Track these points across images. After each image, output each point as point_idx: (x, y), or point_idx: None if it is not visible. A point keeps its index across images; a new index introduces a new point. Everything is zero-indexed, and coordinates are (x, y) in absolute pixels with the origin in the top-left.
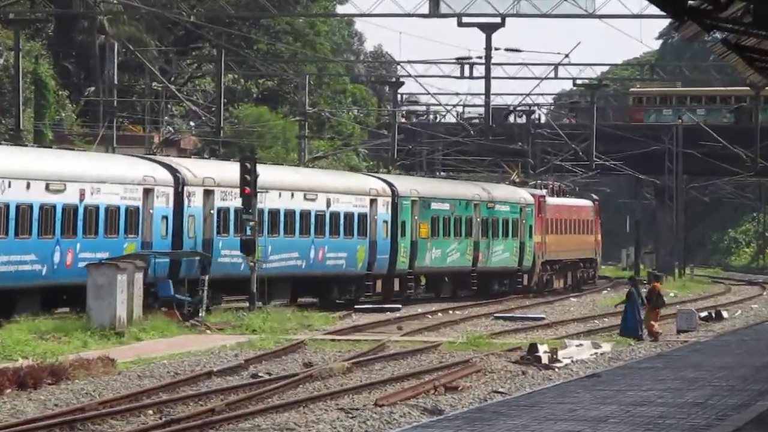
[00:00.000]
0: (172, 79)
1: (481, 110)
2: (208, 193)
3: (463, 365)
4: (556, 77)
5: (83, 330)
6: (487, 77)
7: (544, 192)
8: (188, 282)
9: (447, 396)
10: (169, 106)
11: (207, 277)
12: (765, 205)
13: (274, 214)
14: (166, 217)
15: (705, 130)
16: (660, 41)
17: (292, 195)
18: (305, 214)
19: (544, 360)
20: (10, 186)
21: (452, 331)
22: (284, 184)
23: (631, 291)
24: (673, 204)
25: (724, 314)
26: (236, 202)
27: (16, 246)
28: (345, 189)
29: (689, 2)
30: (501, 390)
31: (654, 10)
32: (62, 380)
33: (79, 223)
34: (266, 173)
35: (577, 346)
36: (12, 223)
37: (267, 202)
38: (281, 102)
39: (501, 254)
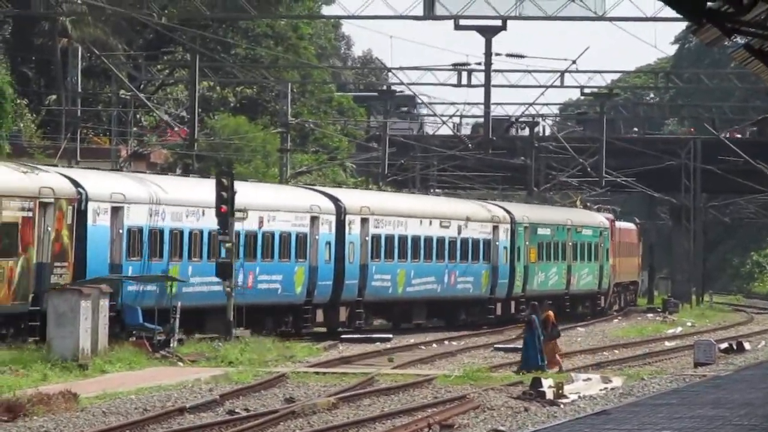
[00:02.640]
0: (142, 86)
1: (480, 121)
2: (363, 221)
3: (460, 401)
4: (562, 85)
5: (43, 362)
6: (487, 85)
7: (612, 216)
8: (159, 310)
9: None
10: (138, 116)
11: (179, 304)
12: None
13: (415, 239)
14: (329, 243)
15: (725, 143)
16: (676, 46)
17: (431, 222)
18: (440, 241)
19: (549, 395)
20: (203, 214)
21: (448, 364)
22: (425, 213)
23: (531, 318)
24: (691, 225)
25: (747, 346)
26: (387, 230)
27: (206, 269)
28: (473, 216)
29: (708, 3)
30: (501, 428)
31: (669, 12)
32: (19, 417)
33: (258, 248)
34: (407, 201)
35: (584, 380)
36: (205, 248)
37: (409, 228)
38: (261, 112)
39: (586, 277)
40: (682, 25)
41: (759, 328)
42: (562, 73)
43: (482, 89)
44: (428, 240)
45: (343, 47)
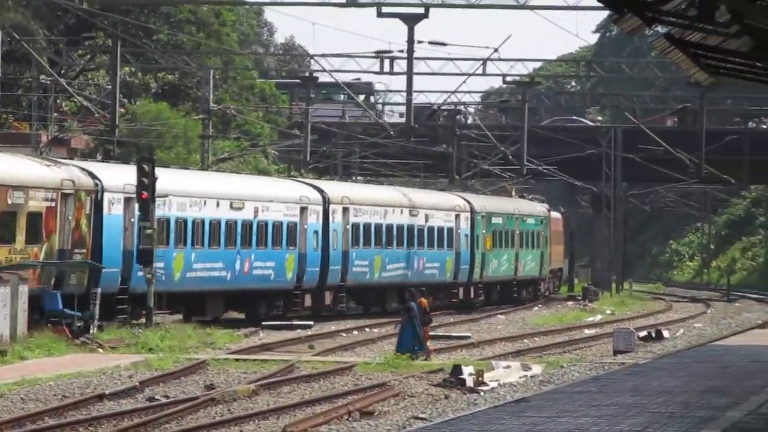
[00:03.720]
0: (63, 71)
1: (402, 109)
2: (345, 211)
3: (380, 388)
4: (484, 74)
5: None
6: (409, 73)
7: (548, 206)
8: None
9: (362, 422)
10: (58, 101)
11: (99, 290)
12: (710, 215)
13: (389, 228)
14: (316, 232)
15: (646, 132)
16: (597, 35)
17: (402, 211)
18: (410, 229)
19: (469, 383)
20: (205, 204)
21: (369, 351)
22: (396, 202)
23: (410, 305)
24: (611, 213)
25: (665, 334)
26: (364, 218)
27: (209, 255)
28: (438, 206)
29: None
30: (421, 415)
31: (591, 1)
32: None
33: (254, 237)
34: (381, 191)
35: (504, 368)
36: (206, 236)
37: (383, 217)
38: (183, 98)
39: (531, 263)
40: (604, 14)
41: (677, 317)
42: (484, 61)
43: (404, 77)
44: (400, 228)
45: (265, 34)
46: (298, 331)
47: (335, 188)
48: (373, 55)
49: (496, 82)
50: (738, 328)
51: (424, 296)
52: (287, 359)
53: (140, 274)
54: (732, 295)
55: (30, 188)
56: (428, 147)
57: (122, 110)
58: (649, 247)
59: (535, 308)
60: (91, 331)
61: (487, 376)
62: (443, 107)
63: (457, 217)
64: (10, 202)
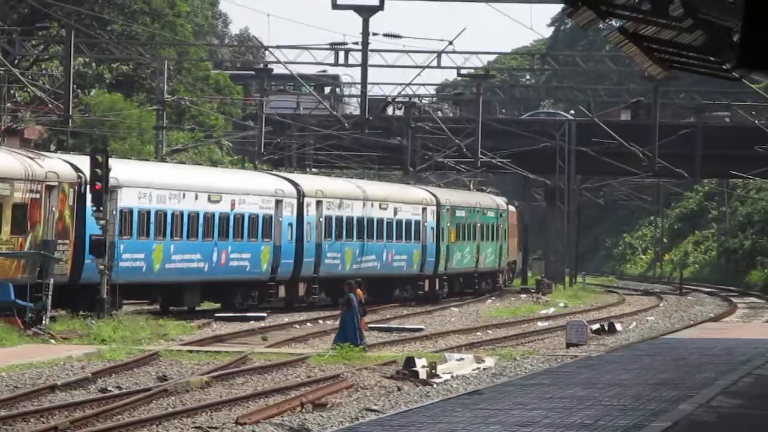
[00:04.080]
0: (16, 61)
1: (357, 101)
2: (318, 204)
3: (333, 380)
4: (438, 66)
5: None
6: (364, 65)
7: (505, 199)
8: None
9: (315, 414)
10: (11, 91)
11: (52, 281)
12: (663, 209)
13: (359, 221)
14: (291, 224)
15: (600, 126)
16: (552, 29)
17: (372, 204)
18: (380, 222)
19: (422, 375)
20: (184, 197)
21: (322, 343)
22: (367, 195)
23: (350, 297)
24: (565, 206)
25: (618, 327)
26: (336, 212)
27: (187, 247)
28: (406, 199)
29: None
30: (374, 407)
31: None
32: None
33: (230, 229)
34: (353, 185)
35: (458, 360)
36: (185, 228)
37: (354, 210)
38: (137, 89)
39: (490, 256)
40: (558, 8)
41: (630, 310)
42: (439, 53)
43: (359, 69)
44: (370, 221)
45: (220, 25)
46: (252, 322)
47: (310, 182)
48: (328, 47)
49: (451, 75)
50: (690, 321)
51: (360, 288)
52: (240, 351)
53: (122, 265)
54: (684, 288)
55: (15, 180)
56: (383, 139)
57: (76, 101)
58: (603, 240)
59: (489, 301)
60: (43, 322)
61: (440, 368)
62: (398, 99)
63: (424, 210)
64: None
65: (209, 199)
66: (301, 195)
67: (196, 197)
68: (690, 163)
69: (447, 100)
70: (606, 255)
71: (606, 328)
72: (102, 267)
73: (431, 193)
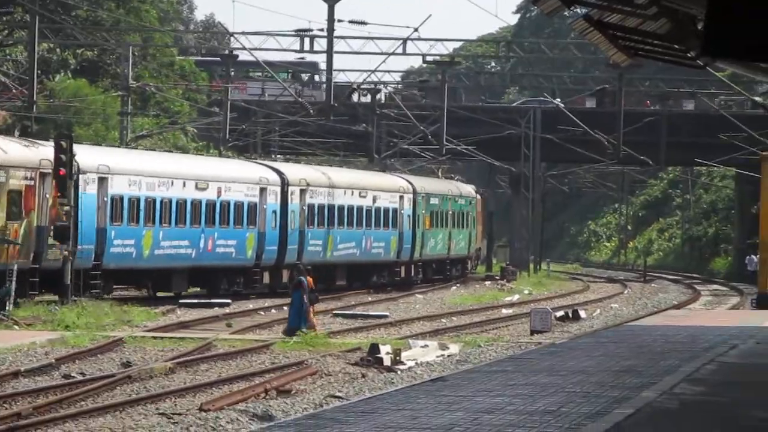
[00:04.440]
0: None
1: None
2: (302, 192)
3: (298, 367)
4: (404, 53)
5: None
6: (329, 52)
7: (475, 187)
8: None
9: (279, 400)
10: None
11: (16, 267)
12: (628, 196)
13: (340, 208)
14: (275, 212)
15: (565, 113)
16: (517, 16)
17: (353, 193)
18: (359, 209)
19: (386, 362)
20: (172, 184)
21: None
22: (348, 184)
23: (300, 281)
24: (530, 193)
25: (582, 314)
26: (319, 200)
27: (175, 233)
28: (385, 187)
29: None
30: (338, 394)
31: None
32: None
33: (216, 216)
34: (334, 173)
35: (422, 347)
36: (173, 215)
37: (336, 198)
38: (102, 75)
39: (461, 243)
40: None
41: (594, 297)
42: (405, 40)
43: (325, 55)
44: (350, 209)
45: (185, 11)
46: (216, 309)
47: (294, 170)
48: (294, 33)
49: (417, 62)
50: (654, 308)
51: (310, 274)
52: (204, 337)
53: (113, 251)
54: (648, 275)
55: (10, 167)
56: (348, 126)
57: (40, 86)
58: (567, 227)
59: (454, 288)
60: (6, 307)
61: (404, 355)
62: (363, 86)
63: (401, 198)
64: None
65: (197, 187)
66: (285, 183)
67: (184, 185)
68: (654, 150)
69: (412, 87)
70: (570, 242)
71: (570, 315)
72: (66, 253)
73: (408, 181)
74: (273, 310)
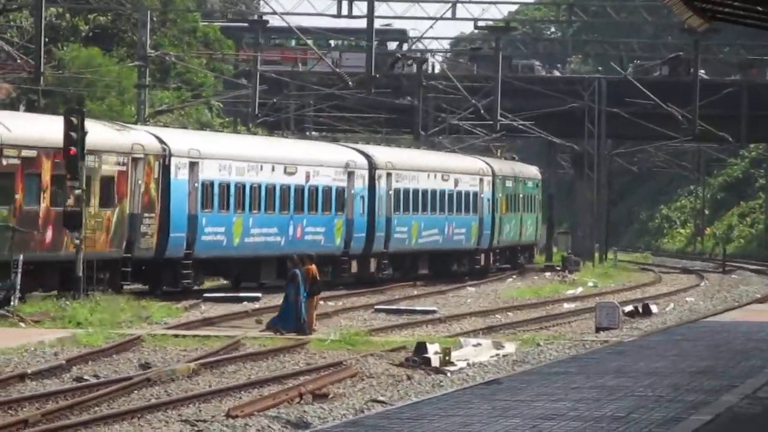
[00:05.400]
0: None
1: (363, 56)
2: (388, 176)
3: (336, 368)
4: (453, 18)
5: None
6: (370, 17)
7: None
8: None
9: (315, 405)
10: None
11: (21, 258)
12: (704, 177)
13: (424, 193)
14: (363, 197)
15: (633, 84)
16: None
17: (436, 176)
18: (442, 194)
19: (435, 362)
20: (261, 169)
21: (323, 326)
22: (431, 167)
23: (294, 272)
24: (594, 174)
25: (654, 309)
26: (404, 184)
27: (265, 220)
28: (466, 170)
29: None
30: (381, 399)
31: None
32: None
33: (305, 202)
34: (419, 156)
35: (474, 345)
36: (263, 201)
37: (420, 182)
38: (117, 43)
39: (530, 228)
40: None
41: (667, 290)
42: (454, 3)
43: (365, 21)
44: (434, 193)
45: None
46: (245, 303)
47: (380, 153)
48: None
49: (467, 28)
50: (734, 302)
51: (313, 262)
52: (232, 335)
53: (204, 239)
54: (728, 265)
55: (103, 152)
56: (391, 99)
57: (48, 56)
58: (636, 212)
59: (509, 280)
60: (11, 303)
61: (454, 354)
62: (408, 55)
63: (480, 181)
64: (84, 165)
65: (285, 171)
66: (372, 167)
67: (273, 169)
68: (735, 125)
69: (463, 55)
70: (640, 229)
71: (640, 310)
72: (78, 242)
73: (487, 163)
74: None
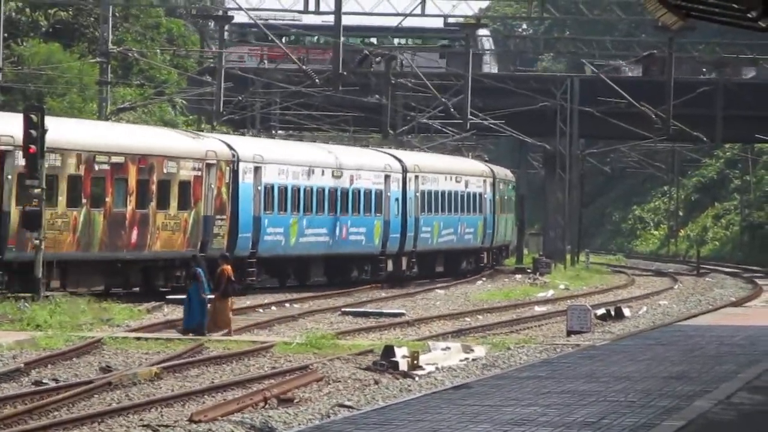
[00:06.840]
0: None
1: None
2: (416, 178)
3: (301, 372)
4: (422, 14)
5: None
6: (338, 12)
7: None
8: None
9: (280, 410)
10: None
11: (2, 257)
12: (678, 178)
13: (443, 194)
14: (398, 199)
15: (606, 83)
16: None
17: (451, 178)
18: (455, 195)
19: (403, 366)
20: (313, 173)
21: (288, 330)
22: (447, 169)
23: (197, 272)
24: (566, 174)
25: (626, 312)
26: (428, 186)
27: (316, 221)
28: (476, 173)
29: None
30: (347, 403)
31: None
32: None
33: (349, 204)
34: (439, 159)
35: (443, 349)
36: (314, 203)
37: (440, 184)
38: (78, 38)
39: (508, 229)
40: None
41: (640, 292)
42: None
43: (332, 17)
44: (450, 194)
45: None
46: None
47: (410, 157)
48: None
49: (437, 24)
50: (708, 306)
51: (227, 262)
52: (195, 338)
53: (267, 239)
54: (702, 268)
55: (181, 159)
56: (359, 97)
57: (7, 52)
58: (609, 213)
59: (479, 282)
60: None
61: (422, 358)
62: (376, 52)
63: (484, 182)
64: (165, 171)
65: (333, 175)
66: (404, 170)
67: (323, 173)
68: (710, 125)
69: (432, 52)
70: (613, 230)
71: (612, 313)
72: (37, 242)
73: (488, 166)
74: (273, 308)
